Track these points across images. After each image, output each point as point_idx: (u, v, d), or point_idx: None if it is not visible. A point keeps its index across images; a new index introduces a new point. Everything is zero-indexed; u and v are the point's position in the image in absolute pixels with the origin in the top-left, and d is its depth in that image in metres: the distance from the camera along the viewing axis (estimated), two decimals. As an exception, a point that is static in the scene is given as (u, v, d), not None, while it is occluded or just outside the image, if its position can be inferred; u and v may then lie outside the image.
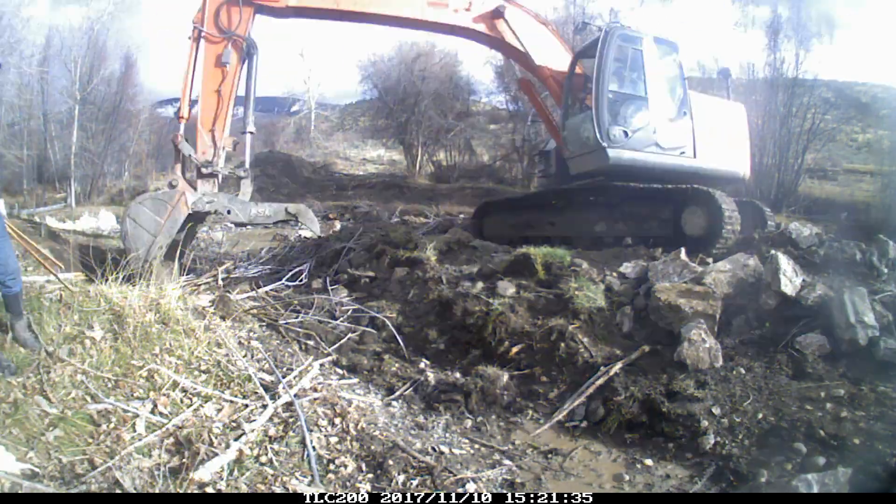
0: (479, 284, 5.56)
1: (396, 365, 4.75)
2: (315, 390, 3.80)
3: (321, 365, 4.46)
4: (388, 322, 5.36)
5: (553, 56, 7.75)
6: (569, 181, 7.97)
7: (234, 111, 6.60)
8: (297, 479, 2.75)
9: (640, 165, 6.99)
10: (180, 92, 6.42)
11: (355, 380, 4.46)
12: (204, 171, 6.05)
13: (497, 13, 7.08)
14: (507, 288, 5.27)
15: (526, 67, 8.49)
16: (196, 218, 6.21)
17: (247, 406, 3.34)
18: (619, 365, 4.12)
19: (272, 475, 2.74)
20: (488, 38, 7.38)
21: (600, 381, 4.03)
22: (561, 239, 7.00)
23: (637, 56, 7.09)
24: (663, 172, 7.00)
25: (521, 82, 10.42)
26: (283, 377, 3.86)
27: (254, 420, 3.18)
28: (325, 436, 3.24)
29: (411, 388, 4.40)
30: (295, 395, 3.53)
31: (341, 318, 5.57)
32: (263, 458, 2.87)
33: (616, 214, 7.00)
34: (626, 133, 6.93)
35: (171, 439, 2.82)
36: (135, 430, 2.80)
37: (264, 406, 3.36)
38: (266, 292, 6.28)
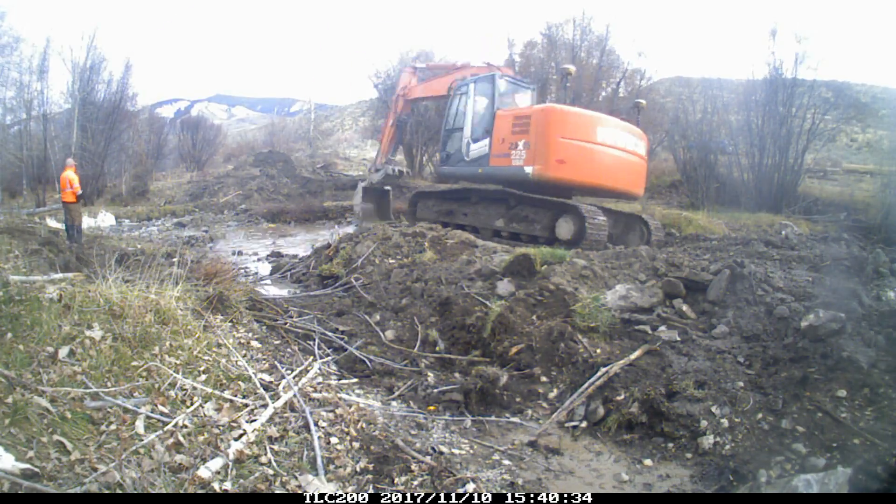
0: (479, 283, 5.56)
1: (397, 365, 4.75)
2: (314, 390, 3.80)
3: (320, 365, 4.46)
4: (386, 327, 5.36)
5: None
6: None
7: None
8: (297, 478, 2.75)
9: (459, 175, 10.46)
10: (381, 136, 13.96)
11: (354, 380, 4.46)
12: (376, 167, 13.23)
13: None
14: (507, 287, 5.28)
15: None
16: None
17: (247, 406, 3.34)
18: (618, 365, 4.12)
19: (272, 475, 2.74)
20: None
21: (600, 382, 4.03)
22: (471, 228, 9.45)
23: (464, 97, 10.21)
24: (472, 178, 10.03)
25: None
26: (283, 377, 3.86)
27: (254, 420, 3.18)
28: (324, 435, 3.24)
29: (411, 388, 4.40)
30: (294, 395, 3.53)
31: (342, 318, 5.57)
32: (263, 458, 2.87)
33: (511, 215, 8.95)
34: (448, 156, 10.43)
35: (172, 439, 2.82)
36: (134, 430, 2.80)
37: (264, 406, 3.36)
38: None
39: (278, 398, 3.47)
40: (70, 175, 10.50)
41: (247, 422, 3.15)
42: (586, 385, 4.07)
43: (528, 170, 8.42)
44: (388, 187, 12.99)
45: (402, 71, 13.47)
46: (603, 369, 4.12)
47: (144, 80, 45.42)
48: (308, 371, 4.14)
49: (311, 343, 4.96)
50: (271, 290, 7.22)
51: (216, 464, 2.66)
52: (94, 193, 20.78)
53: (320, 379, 4.15)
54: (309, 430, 3.22)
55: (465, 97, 10.07)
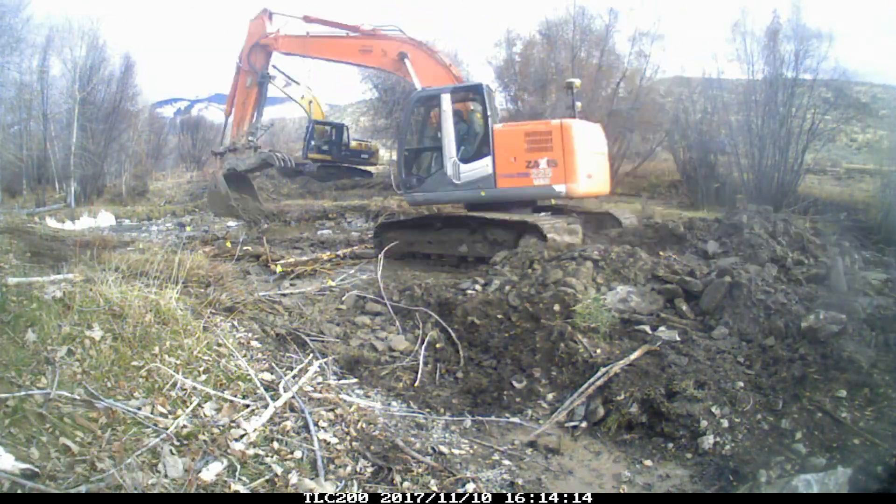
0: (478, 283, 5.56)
1: (396, 364, 4.75)
2: (315, 390, 3.80)
3: (320, 365, 4.46)
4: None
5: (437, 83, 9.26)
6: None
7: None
8: (298, 478, 2.75)
9: (447, 200, 9.29)
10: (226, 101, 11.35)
11: (354, 380, 4.46)
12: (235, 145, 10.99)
13: (402, 55, 9.21)
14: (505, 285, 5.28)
15: None
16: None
17: (247, 406, 3.34)
18: (619, 365, 4.12)
19: (273, 475, 2.74)
20: (393, 72, 9.93)
21: (600, 382, 4.03)
22: (436, 255, 8.69)
23: (434, 110, 8.69)
24: (468, 203, 8.85)
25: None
26: (283, 377, 3.86)
27: (255, 420, 3.18)
28: (324, 435, 3.24)
29: (411, 388, 4.40)
30: (294, 395, 3.53)
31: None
32: (265, 459, 2.88)
33: (475, 238, 8.34)
34: (418, 179, 8.86)
35: (172, 439, 2.82)
36: (134, 430, 2.80)
37: (265, 406, 3.36)
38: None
39: (279, 398, 3.47)
40: None
41: (247, 421, 3.15)
42: (586, 385, 4.07)
43: (559, 188, 7.90)
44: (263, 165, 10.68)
45: (249, 22, 10.78)
46: (603, 369, 4.12)
47: (145, 80, 45.42)
48: (307, 371, 4.14)
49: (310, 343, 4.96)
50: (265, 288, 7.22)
51: (217, 464, 2.66)
52: (94, 193, 20.79)
53: (320, 379, 4.15)
54: (309, 430, 3.22)
55: (439, 109, 8.54)
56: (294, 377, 3.94)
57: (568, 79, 9.66)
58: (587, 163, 8.07)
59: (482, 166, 8.29)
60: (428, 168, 8.89)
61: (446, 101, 8.42)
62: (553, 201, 8.95)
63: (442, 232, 8.72)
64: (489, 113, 8.36)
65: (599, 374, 4.10)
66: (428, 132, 9.10)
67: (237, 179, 11.03)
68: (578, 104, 9.52)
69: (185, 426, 2.95)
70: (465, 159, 8.43)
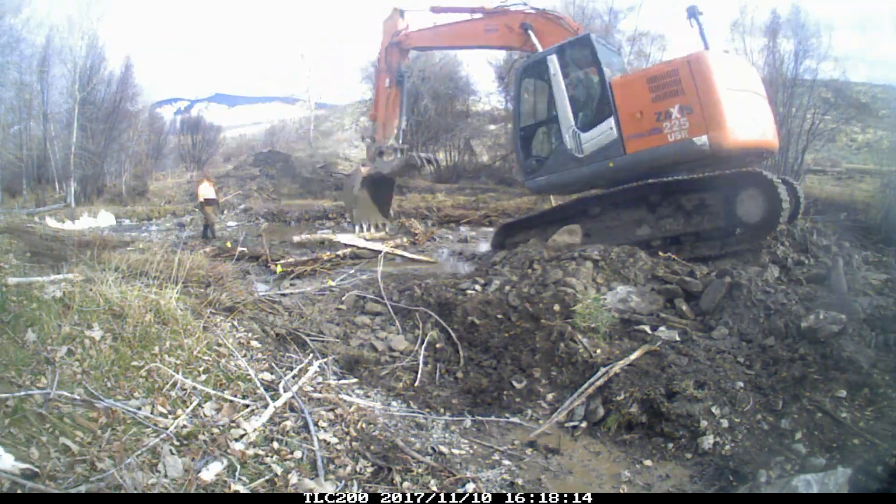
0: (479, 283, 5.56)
1: (396, 364, 4.75)
2: (315, 390, 3.80)
3: (320, 365, 4.46)
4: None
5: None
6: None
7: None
8: (298, 478, 2.75)
9: (571, 182, 7.54)
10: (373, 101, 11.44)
11: (354, 380, 4.46)
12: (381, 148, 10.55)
13: (525, 27, 8.21)
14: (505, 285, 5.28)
15: None
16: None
17: (247, 406, 3.34)
18: (619, 365, 4.12)
19: (273, 475, 2.74)
20: (521, 47, 8.63)
21: (600, 382, 4.03)
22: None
23: (544, 77, 7.49)
24: (595, 180, 7.31)
25: None
26: (283, 377, 3.86)
27: (255, 420, 3.18)
28: (324, 436, 3.24)
29: (410, 388, 4.40)
30: (294, 395, 3.53)
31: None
32: (265, 459, 2.87)
33: (660, 215, 6.61)
34: (538, 161, 7.63)
35: (172, 439, 2.82)
36: (134, 430, 2.80)
37: (265, 406, 3.36)
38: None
39: (279, 398, 3.47)
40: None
41: (247, 421, 3.15)
42: (586, 385, 4.07)
43: (700, 140, 6.12)
44: (408, 167, 10.28)
45: (383, 22, 10.42)
46: (603, 369, 4.12)
47: (145, 80, 45.42)
48: (308, 371, 4.14)
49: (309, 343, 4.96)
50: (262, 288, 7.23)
51: (217, 463, 2.66)
52: (94, 193, 20.79)
53: (320, 379, 4.15)
54: (308, 430, 3.22)
55: (548, 76, 7.32)
56: (294, 377, 3.94)
57: (689, 4, 7.50)
58: (735, 103, 6.25)
59: (606, 130, 6.85)
60: (548, 145, 7.64)
61: (553, 64, 7.25)
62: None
63: (604, 218, 7.08)
64: (603, 67, 6.96)
65: (599, 374, 4.10)
66: (541, 104, 7.82)
67: (377, 182, 10.78)
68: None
69: (185, 426, 2.95)
70: (586, 126, 7.09)
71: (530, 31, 8.08)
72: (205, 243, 10.45)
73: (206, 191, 12.68)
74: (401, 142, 10.51)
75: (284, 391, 3.59)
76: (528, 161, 7.73)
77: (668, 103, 6.39)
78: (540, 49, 7.81)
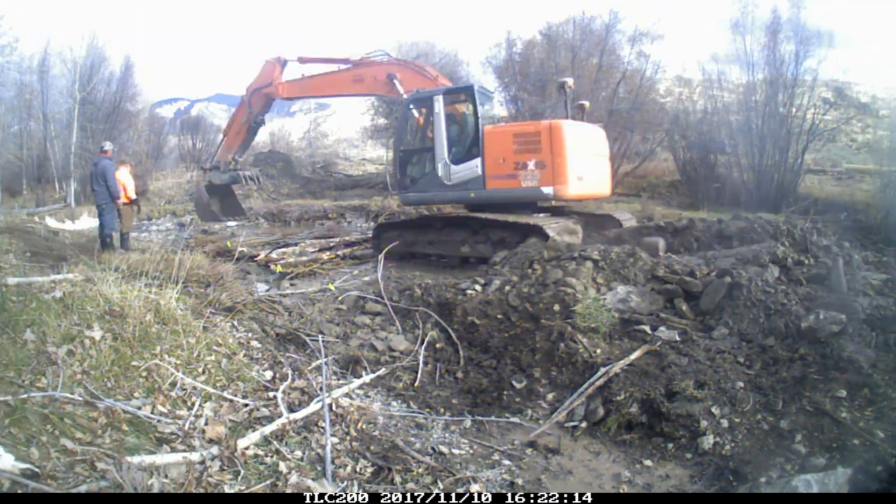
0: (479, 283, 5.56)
1: (396, 364, 4.75)
2: (315, 390, 3.79)
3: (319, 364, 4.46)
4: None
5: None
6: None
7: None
8: (298, 478, 2.75)
9: (438, 201, 9.73)
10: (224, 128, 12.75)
11: (354, 379, 4.45)
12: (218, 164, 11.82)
13: (390, 77, 9.50)
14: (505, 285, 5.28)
15: None
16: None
17: (247, 405, 3.34)
18: (619, 365, 4.12)
19: (273, 475, 2.74)
20: (387, 94, 10.11)
21: (600, 382, 4.03)
22: (436, 256, 8.78)
23: (428, 111, 8.78)
24: (458, 204, 9.18)
25: None
26: (283, 378, 3.86)
27: (255, 420, 3.18)
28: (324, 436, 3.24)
29: (411, 388, 4.40)
30: (291, 395, 3.53)
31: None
32: (266, 459, 2.88)
33: (477, 239, 8.27)
34: (412, 180, 9.03)
35: (172, 439, 2.82)
36: (135, 430, 2.80)
37: (265, 405, 3.36)
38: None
39: (278, 398, 3.47)
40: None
41: (247, 421, 3.15)
42: (586, 385, 4.07)
43: (547, 190, 7.82)
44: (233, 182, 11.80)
45: (265, 62, 11.21)
46: (603, 369, 4.12)
47: (145, 80, 45.45)
48: (308, 370, 4.14)
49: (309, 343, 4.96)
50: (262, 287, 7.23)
51: (217, 465, 2.66)
52: (94, 193, 20.76)
53: (320, 378, 4.15)
54: (309, 430, 3.22)
55: (430, 113, 8.69)
56: (294, 376, 3.93)
57: (560, 78, 9.69)
58: (578, 164, 7.93)
59: (472, 167, 8.30)
60: (421, 169, 8.99)
61: (438, 103, 8.49)
62: (550, 203, 8.87)
63: (443, 232, 8.71)
64: (479, 114, 8.34)
65: (599, 374, 4.10)
66: (421, 134, 9.28)
67: (219, 189, 11.92)
68: (586, 103, 9.53)
69: (185, 425, 2.95)
70: (457, 160, 8.47)
71: (395, 80, 9.38)
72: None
73: (127, 180, 9.52)
74: (234, 163, 11.81)
75: (285, 392, 3.58)
76: (403, 178, 9.19)
77: (526, 157, 7.94)
78: (405, 96, 9.22)
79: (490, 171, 8.16)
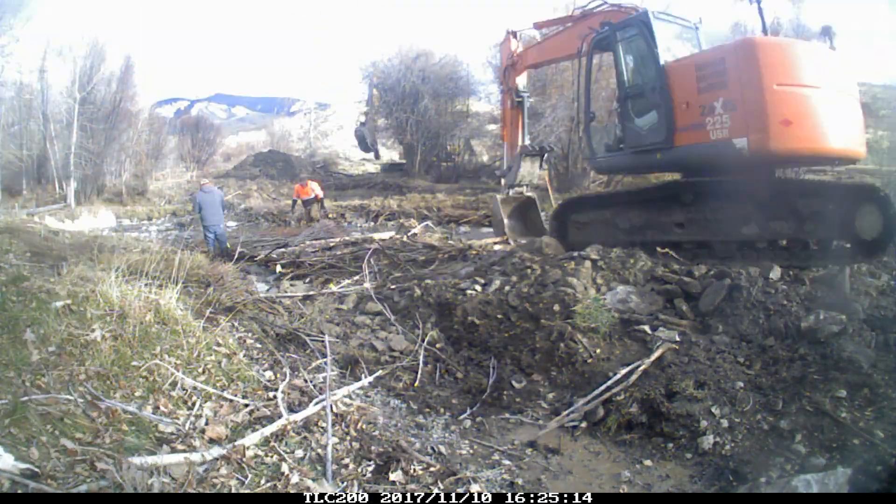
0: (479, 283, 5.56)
1: (396, 364, 4.75)
2: (315, 390, 3.79)
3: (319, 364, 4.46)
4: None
5: None
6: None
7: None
8: (298, 478, 2.75)
9: (618, 167, 8.16)
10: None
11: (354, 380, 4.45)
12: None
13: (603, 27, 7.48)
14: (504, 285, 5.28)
15: None
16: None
17: (247, 406, 3.34)
18: (644, 366, 4.09)
19: (273, 475, 2.74)
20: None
21: (615, 381, 4.02)
22: (693, 244, 6.23)
23: (615, 51, 6.91)
24: (640, 170, 7.72)
25: None
26: (283, 377, 3.86)
27: (255, 420, 3.18)
28: (325, 436, 3.24)
29: (411, 388, 4.40)
30: (290, 395, 3.53)
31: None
32: (266, 459, 2.87)
33: (770, 215, 5.79)
34: (600, 141, 7.23)
35: (172, 439, 2.82)
36: (135, 430, 2.80)
37: (266, 406, 3.36)
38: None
39: (278, 398, 3.47)
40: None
41: (247, 421, 3.15)
42: (603, 387, 4.05)
43: (740, 143, 5.48)
44: (530, 194, 9.89)
45: (500, 43, 10.55)
46: (625, 370, 4.11)
47: (144, 80, 45.43)
48: (307, 371, 4.14)
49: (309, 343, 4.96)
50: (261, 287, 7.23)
51: (217, 463, 2.66)
52: (94, 193, 20.80)
53: (321, 379, 4.15)
54: (309, 430, 3.22)
55: (616, 52, 6.89)
56: (293, 376, 3.93)
57: None
58: (783, 102, 5.35)
59: (654, 120, 6.41)
60: (607, 127, 7.35)
61: (615, 43, 6.83)
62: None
63: (702, 207, 6.19)
64: (657, 49, 6.34)
65: (619, 374, 4.08)
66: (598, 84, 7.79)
67: (513, 202, 10.03)
68: (832, 26, 7.28)
69: (185, 425, 2.95)
70: (640, 112, 6.64)
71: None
72: None
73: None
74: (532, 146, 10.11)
75: (285, 392, 3.58)
76: (590, 141, 7.34)
77: (711, 96, 5.75)
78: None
79: (679, 122, 6.10)
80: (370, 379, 4.36)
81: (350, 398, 3.93)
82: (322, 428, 3.31)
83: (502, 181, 10.20)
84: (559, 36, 9.23)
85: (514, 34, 10.17)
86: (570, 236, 7.27)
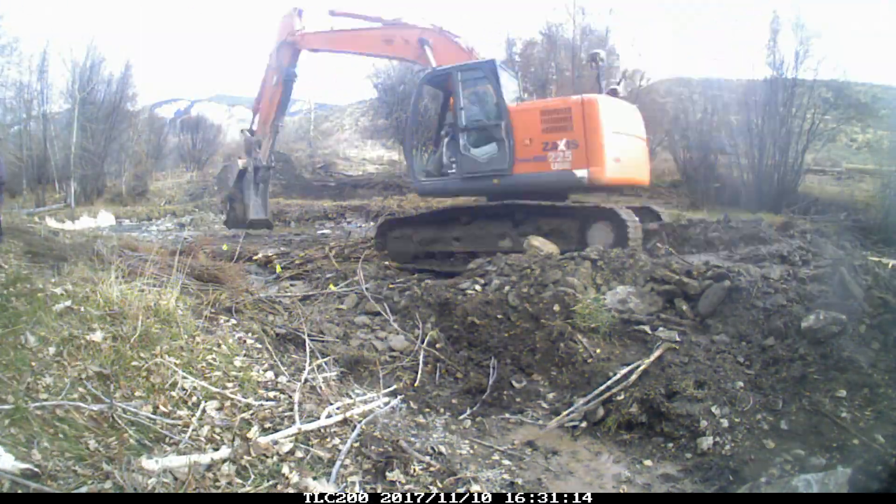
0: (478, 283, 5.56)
1: (396, 364, 4.75)
2: (315, 390, 3.79)
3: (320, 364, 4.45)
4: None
5: None
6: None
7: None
8: (298, 478, 2.75)
9: (450, 192, 8.77)
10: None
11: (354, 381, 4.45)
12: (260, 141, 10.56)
13: (421, 42, 8.48)
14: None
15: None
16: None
17: (248, 405, 3.34)
18: (644, 366, 4.08)
19: (273, 474, 2.74)
20: (416, 60, 8.93)
21: (615, 381, 4.02)
22: (465, 255, 7.59)
23: (454, 88, 7.80)
24: (479, 193, 8.42)
25: None
26: (284, 377, 3.85)
27: (257, 420, 3.18)
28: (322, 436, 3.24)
29: (411, 388, 4.40)
30: (293, 396, 3.52)
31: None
32: (267, 459, 2.87)
33: (521, 231, 7.35)
34: (428, 169, 8.29)
35: (172, 438, 2.82)
36: (135, 430, 2.80)
37: (266, 405, 3.35)
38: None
39: (279, 397, 3.47)
40: None
41: (248, 422, 3.15)
42: (604, 387, 4.05)
43: (581, 173, 6.85)
44: (270, 168, 10.54)
45: (283, 16, 10.37)
46: (625, 370, 4.10)
47: (144, 80, 45.44)
48: (307, 370, 4.14)
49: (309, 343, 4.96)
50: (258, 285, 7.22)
51: (218, 463, 2.66)
52: (94, 193, 20.80)
53: (320, 378, 4.15)
54: (315, 435, 3.21)
55: (448, 92, 7.88)
56: (294, 376, 3.93)
57: (592, 50, 9.01)
58: (615, 144, 6.99)
59: (496, 151, 7.42)
60: (439, 155, 8.21)
61: (455, 81, 7.63)
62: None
63: (474, 226, 7.69)
64: (501, 92, 7.39)
65: (620, 373, 4.08)
66: (439, 117, 8.68)
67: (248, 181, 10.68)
68: (619, 87, 8.61)
69: (185, 425, 2.95)
70: (478, 144, 7.60)
71: (426, 47, 8.39)
72: None
73: None
74: (273, 134, 10.85)
75: (285, 392, 3.58)
76: (419, 167, 8.43)
77: (555, 136, 7.09)
78: (434, 64, 8.16)
79: (517, 154, 7.25)
80: (383, 393, 4.35)
81: (354, 404, 3.93)
82: (332, 433, 3.30)
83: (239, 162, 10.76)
84: (360, 32, 9.63)
85: (300, 13, 10.20)
86: (388, 246, 8.74)
